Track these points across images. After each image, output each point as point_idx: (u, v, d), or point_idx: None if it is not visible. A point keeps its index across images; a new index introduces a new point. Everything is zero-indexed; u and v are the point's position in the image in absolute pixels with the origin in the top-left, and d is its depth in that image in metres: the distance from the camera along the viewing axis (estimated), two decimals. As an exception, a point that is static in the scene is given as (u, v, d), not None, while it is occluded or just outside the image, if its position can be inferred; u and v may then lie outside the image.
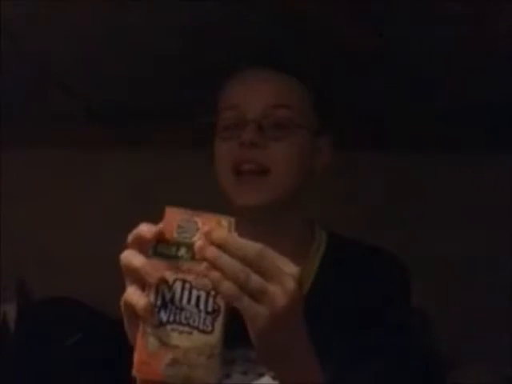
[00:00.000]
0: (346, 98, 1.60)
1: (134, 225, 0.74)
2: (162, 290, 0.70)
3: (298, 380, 0.77)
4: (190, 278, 0.70)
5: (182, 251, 0.71)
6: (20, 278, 1.90)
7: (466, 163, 1.99)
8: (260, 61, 1.08)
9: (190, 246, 0.71)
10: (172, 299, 0.70)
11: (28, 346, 1.69)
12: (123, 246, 0.74)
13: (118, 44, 1.46)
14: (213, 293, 0.70)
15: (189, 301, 0.70)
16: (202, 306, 0.70)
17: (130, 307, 0.72)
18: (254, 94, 1.05)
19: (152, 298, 0.71)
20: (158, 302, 0.70)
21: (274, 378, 0.95)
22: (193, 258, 0.70)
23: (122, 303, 0.74)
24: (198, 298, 0.70)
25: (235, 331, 0.90)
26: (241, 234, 0.92)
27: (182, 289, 0.70)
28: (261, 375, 0.97)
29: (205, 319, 0.70)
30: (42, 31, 1.40)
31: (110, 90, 1.72)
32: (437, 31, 1.37)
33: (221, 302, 0.70)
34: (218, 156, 1.06)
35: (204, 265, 0.70)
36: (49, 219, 2.05)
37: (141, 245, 0.73)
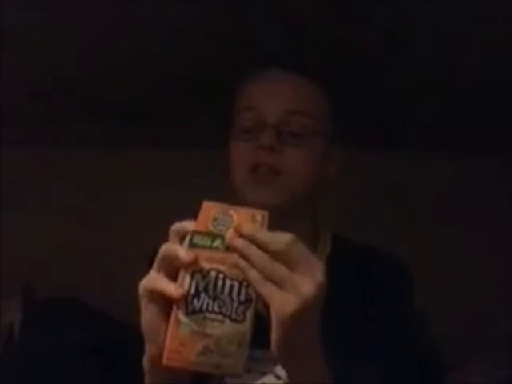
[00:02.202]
0: (346, 98, 1.60)
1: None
2: (196, 279, 0.72)
3: (309, 377, 0.78)
4: (223, 267, 0.72)
5: (217, 242, 0.72)
6: (22, 278, 1.89)
7: (466, 163, 1.99)
8: (280, 64, 1.08)
9: (224, 238, 0.73)
10: (206, 288, 0.72)
11: (30, 346, 1.69)
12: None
13: (118, 44, 1.46)
14: (245, 283, 0.72)
15: (222, 290, 0.72)
16: (234, 296, 0.71)
17: (156, 293, 0.73)
18: (274, 98, 1.04)
19: (186, 285, 0.72)
20: (192, 290, 0.72)
21: (276, 376, 0.96)
22: (227, 248, 0.72)
23: (143, 286, 0.75)
24: (231, 287, 0.72)
25: None
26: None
27: (216, 278, 0.72)
28: (264, 374, 0.97)
29: (237, 308, 0.71)
30: (42, 31, 1.40)
31: (109, 90, 1.72)
32: (437, 31, 1.37)
33: (253, 293, 0.72)
34: (234, 156, 1.06)
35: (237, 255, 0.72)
36: (49, 219, 2.05)
37: (182, 237, 0.74)
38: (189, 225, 0.75)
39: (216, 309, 0.71)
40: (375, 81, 1.63)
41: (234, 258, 0.72)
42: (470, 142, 1.95)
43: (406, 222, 2.00)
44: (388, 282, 1.04)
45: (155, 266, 0.75)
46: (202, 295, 0.71)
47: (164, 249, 0.75)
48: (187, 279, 0.72)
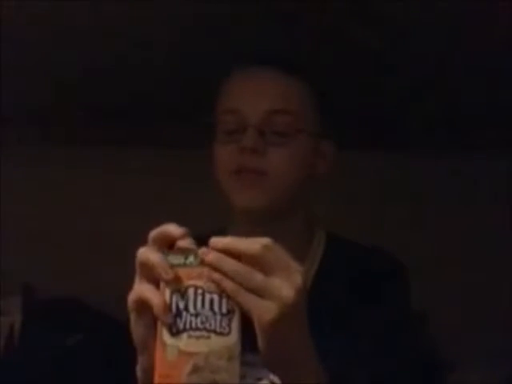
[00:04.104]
0: (346, 98, 1.60)
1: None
2: (176, 298, 0.71)
3: (301, 381, 0.77)
4: (200, 283, 0.71)
5: (190, 259, 0.72)
6: (22, 278, 1.89)
7: (466, 163, 1.99)
8: (260, 60, 1.07)
9: (196, 253, 0.72)
10: (186, 306, 0.71)
11: (30, 346, 1.69)
12: (139, 245, 0.75)
13: (118, 44, 1.46)
14: (225, 294, 0.71)
15: (203, 305, 0.71)
16: (216, 309, 0.70)
17: (142, 303, 0.73)
18: (254, 98, 1.03)
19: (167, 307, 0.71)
20: (173, 311, 0.71)
21: (272, 382, 0.96)
22: (201, 263, 0.71)
23: (131, 299, 0.75)
24: (212, 301, 0.71)
25: None
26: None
27: (195, 294, 0.71)
28: (259, 379, 0.97)
29: (221, 321, 0.70)
30: (42, 31, 1.40)
31: (109, 90, 1.72)
32: (437, 31, 1.37)
33: (234, 303, 0.71)
34: (218, 160, 1.05)
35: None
36: (49, 219, 2.05)
37: (162, 243, 0.74)
38: (174, 230, 0.74)
39: (200, 325, 0.70)
40: (374, 81, 1.63)
41: (209, 271, 0.71)
42: (469, 142, 1.95)
43: (406, 221, 2.00)
44: (384, 280, 1.04)
45: (137, 274, 0.74)
46: (184, 314, 0.70)
47: (141, 255, 0.74)
48: (167, 299, 0.71)
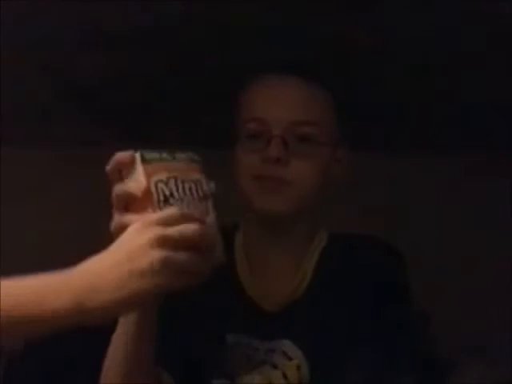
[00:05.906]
0: (346, 98, 1.60)
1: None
2: (161, 187, 0.78)
3: None
4: (177, 173, 0.79)
5: (164, 154, 0.80)
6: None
7: (466, 163, 1.99)
8: (282, 69, 1.08)
9: (169, 151, 0.80)
10: (171, 194, 0.78)
11: (33, 347, 1.69)
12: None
13: (118, 44, 1.47)
14: (199, 182, 0.79)
15: (184, 192, 0.78)
16: (195, 194, 0.79)
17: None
18: (279, 108, 1.05)
19: (154, 196, 0.77)
20: (161, 198, 0.77)
21: (274, 366, 0.99)
22: (174, 158, 0.80)
23: (113, 230, 0.83)
24: (190, 188, 0.79)
25: (239, 319, 0.91)
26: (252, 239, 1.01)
27: (176, 184, 0.78)
28: (263, 363, 0.99)
29: (200, 204, 0.78)
30: (42, 31, 1.40)
31: (109, 90, 1.72)
32: (437, 31, 1.37)
33: (206, 187, 0.79)
34: (240, 166, 1.06)
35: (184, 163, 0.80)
36: (49, 219, 2.05)
37: (121, 172, 0.83)
38: (117, 157, 0.83)
39: (185, 208, 0.77)
40: (375, 81, 1.63)
41: (182, 164, 0.79)
42: (469, 142, 1.95)
43: (407, 222, 2.00)
44: (382, 274, 1.05)
45: (115, 207, 0.83)
46: (170, 200, 0.77)
47: (116, 190, 0.83)
48: (153, 189, 0.77)
